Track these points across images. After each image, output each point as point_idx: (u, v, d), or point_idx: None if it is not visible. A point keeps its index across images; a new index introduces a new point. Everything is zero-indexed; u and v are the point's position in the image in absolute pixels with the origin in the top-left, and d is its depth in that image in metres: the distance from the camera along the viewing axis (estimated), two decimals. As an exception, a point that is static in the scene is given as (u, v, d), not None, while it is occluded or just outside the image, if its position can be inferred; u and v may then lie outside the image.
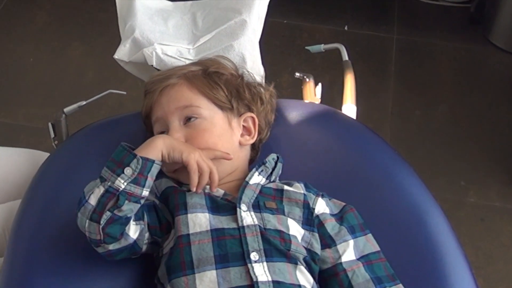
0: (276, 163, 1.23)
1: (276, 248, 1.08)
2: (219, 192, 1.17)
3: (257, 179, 1.19)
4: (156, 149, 1.10)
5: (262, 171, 1.20)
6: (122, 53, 1.41)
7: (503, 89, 2.69)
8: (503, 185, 2.34)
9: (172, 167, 1.17)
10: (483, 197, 2.30)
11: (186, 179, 1.14)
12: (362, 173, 1.32)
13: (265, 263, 1.06)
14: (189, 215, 1.10)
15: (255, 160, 1.30)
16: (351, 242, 1.15)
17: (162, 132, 1.22)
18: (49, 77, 2.64)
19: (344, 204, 1.21)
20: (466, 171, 2.38)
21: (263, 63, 1.41)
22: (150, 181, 1.07)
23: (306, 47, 1.87)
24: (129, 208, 1.04)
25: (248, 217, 1.11)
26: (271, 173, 1.22)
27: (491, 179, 2.36)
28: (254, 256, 1.07)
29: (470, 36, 2.89)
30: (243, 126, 1.25)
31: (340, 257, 1.13)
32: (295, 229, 1.13)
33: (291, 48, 2.80)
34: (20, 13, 2.91)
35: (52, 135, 1.50)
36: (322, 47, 1.81)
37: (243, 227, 1.10)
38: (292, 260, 1.08)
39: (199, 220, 1.09)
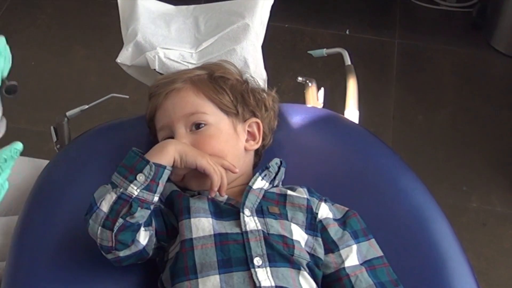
0: (279, 168, 1.23)
1: (279, 253, 1.08)
2: (222, 197, 1.17)
3: (260, 183, 1.19)
4: (168, 154, 1.09)
5: (265, 175, 1.20)
6: (124, 57, 1.41)
7: (505, 93, 2.69)
8: (505, 190, 2.34)
9: (181, 173, 1.16)
10: (485, 202, 2.30)
11: (195, 186, 1.15)
12: (365, 178, 1.32)
13: (268, 268, 1.06)
14: (192, 219, 1.09)
15: (258, 165, 1.29)
16: (354, 247, 1.15)
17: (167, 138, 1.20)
18: (51, 81, 2.64)
19: (347, 209, 1.21)
20: (468, 176, 2.37)
21: (265, 67, 1.41)
22: (161, 187, 1.07)
23: (309, 52, 1.87)
24: (140, 214, 1.04)
25: (251, 222, 1.11)
26: (274, 177, 1.22)
27: (493, 184, 2.36)
28: (257, 261, 1.06)
29: (472, 41, 2.89)
30: (248, 131, 1.25)
31: (343, 262, 1.13)
32: (299, 234, 1.13)
33: (292, 52, 2.80)
34: (22, 17, 2.91)
35: (55, 139, 1.50)
36: (324, 51, 1.81)
37: (246, 232, 1.09)
38: (295, 266, 1.08)
39: (202, 225, 1.09)
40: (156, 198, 1.06)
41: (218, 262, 1.06)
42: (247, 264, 1.06)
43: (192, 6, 1.51)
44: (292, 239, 1.11)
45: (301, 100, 1.70)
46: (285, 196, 1.18)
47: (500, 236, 2.21)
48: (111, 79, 2.48)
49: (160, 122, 1.23)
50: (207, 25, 1.45)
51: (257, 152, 1.28)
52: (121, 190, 1.03)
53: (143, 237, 1.08)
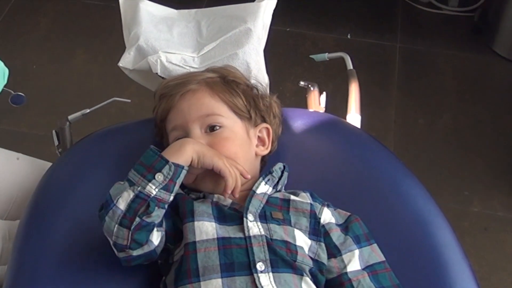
0: (282, 172, 1.23)
1: (282, 258, 1.08)
2: (227, 201, 1.17)
3: (264, 188, 1.18)
4: (186, 154, 1.09)
5: (268, 180, 1.20)
6: (126, 61, 1.41)
7: (507, 98, 2.68)
8: (507, 195, 2.33)
9: (196, 173, 1.16)
10: (487, 207, 2.30)
11: (209, 186, 1.16)
12: (367, 182, 1.32)
13: (271, 274, 1.06)
14: (195, 222, 1.09)
15: (262, 171, 1.29)
16: (356, 252, 1.15)
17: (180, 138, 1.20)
18: (53, 85, 2.64)
19: (349, 214, 1.21)
20: (470, 181, 2.37)
21: (267, 71, 1.41)
22: (177, 187, 1.07)
23: (311, 56, 1.87)
24: (157, 214, 1.04)
25: (254, 228, 1.11)
26: (278, 182, 1.22)
27: (494, 189, 2.35)
28: (260, 266, 1.06)
29: (473, 45, 2.89)
30: (258, 136, 1.26)
31: (345, 267, 1.13)
32: (302, 240, 1.13)
33: (294, 56, 2.80)
34: (24, 21, 2.91)
35: (56, 142, 1.50)
36: (326, 56, 1.81)
37: (249, 237, 1.09)
38: (298, 271, 1.08)
39: (206, 228, 1.09)
40: (171, 198, 1.07)
41: (221, 266, 1.05)
42: (249, 269, 1.06)
43: (194, 10, 1.51)
44: (295, 245, 1.11)
45: (303, 104, 1.70)
46: (288, 201, 1.18)
47: (502, 241, 2.21)
48: (112, 83, 2.49)
49: (174, 122, 1.22)
50: (209, 29, 1.45)
51: (262, 158, 1.28)
52: (139, 188, 1.03)
53: (156, 238, 1.08)
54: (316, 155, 1.37)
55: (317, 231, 1.15)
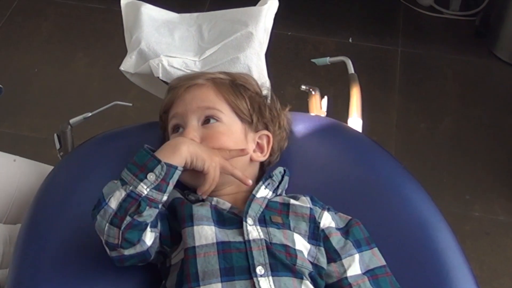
0: (283, 177, 1.23)
1: (282, 262, 1.08)
2: (225, 205, 1.17)
3: (263, 192, 1.18)
4: (181, 156, 1.09)
5: (268, 184, 1.20)
6: (128, 65, 1.41)
7: (508, 102, 2.68)
8: (508, 199, 2.33)
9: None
10: (488, 211, 2.29)
11: (187, 179, 1.16)
12: (368, 186, 1.32)
13: (270, 278, 1.06)
14: (195, 227, 1.09)
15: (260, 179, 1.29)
16: (357, 256, 1.15)
17: (177, 126, 1.22)
18: (54, 88, 2.64)
19: (350, 218, 1.21)
20: (471, 185, 2.37)
21: (268, 75, 1.41)
22: (171, 187, 1.07)
23: (312, 60, 1.87)
24: (148, 214, 1.04)
25: (254, 231, 1.11)
26: (278, 186, 1.22)
27: (496, 193, 2.35)
28: (259, 270, 1.06)
29: (475, 49, 2.89)
30: (257, 142, 1.26)
31: (345, 271, 1.13)
32: (301, 244, 1.13)
33: (295, 60, 2.80)
34: (25, 24, 2.92)
35: (58, 146, 1.50)
36: (328, 60, 1.81)
37: (249, 241, 1.09)
38: (298, 275, 1.08)
39: (205, 233, 1.09)
40: (165, 198, 1.06)
41: (220, 270, 1.05)
42: (249, 273, 1.06)
43: (195, 14, 1.51)
44: (294, 249, 1.11)
45: (304, 108, 1.70)
46: (288, 205, 1.18)
47: (503, 245, 2.20)
48: (114, 86, 2.48)
49: (175, 110, 1.23)
50: (211, 33, 1.45)
51: (261, 166, 1.28)
52: (131, 188, 1.03)
53: (149, 238, 1.07)
54: (318, 159, 1.37)
55: (317, 235, 1.15)
